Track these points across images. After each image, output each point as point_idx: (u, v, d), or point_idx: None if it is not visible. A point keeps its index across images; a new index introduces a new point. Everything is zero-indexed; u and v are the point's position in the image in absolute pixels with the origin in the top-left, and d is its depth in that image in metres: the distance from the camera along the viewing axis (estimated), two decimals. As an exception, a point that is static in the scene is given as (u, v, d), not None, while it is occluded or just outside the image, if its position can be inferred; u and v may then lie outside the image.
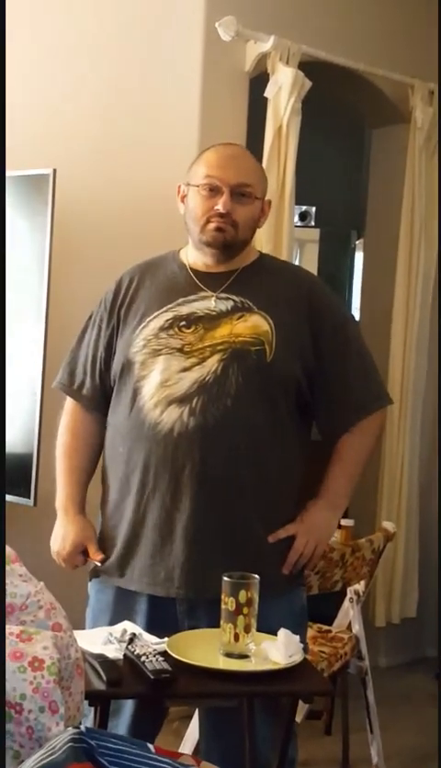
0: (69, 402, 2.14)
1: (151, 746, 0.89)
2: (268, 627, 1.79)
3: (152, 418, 1.95)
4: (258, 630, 1.77)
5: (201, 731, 2.17)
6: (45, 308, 2.70)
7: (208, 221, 1.97)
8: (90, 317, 2.13)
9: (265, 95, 3.13)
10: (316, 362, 2.00)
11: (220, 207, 1.96)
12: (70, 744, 0.87)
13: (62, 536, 2.08)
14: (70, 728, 0.91)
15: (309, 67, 3.17)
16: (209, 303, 1.98)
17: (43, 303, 2.70)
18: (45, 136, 3.12)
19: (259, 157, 3.12)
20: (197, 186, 1.99)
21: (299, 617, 2.05)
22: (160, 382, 1.95)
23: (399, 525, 3.46)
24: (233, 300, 1.98)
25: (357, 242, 5.30)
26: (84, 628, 2.01)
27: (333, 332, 2.04)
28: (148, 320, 2.00)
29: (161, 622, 1.93)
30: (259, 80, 3.19)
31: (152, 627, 1.88)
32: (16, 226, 2.82)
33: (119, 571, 2.01)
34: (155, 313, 2.00)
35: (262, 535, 1.98)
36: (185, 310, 1.99)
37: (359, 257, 5.02)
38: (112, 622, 1.96)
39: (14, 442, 2.79)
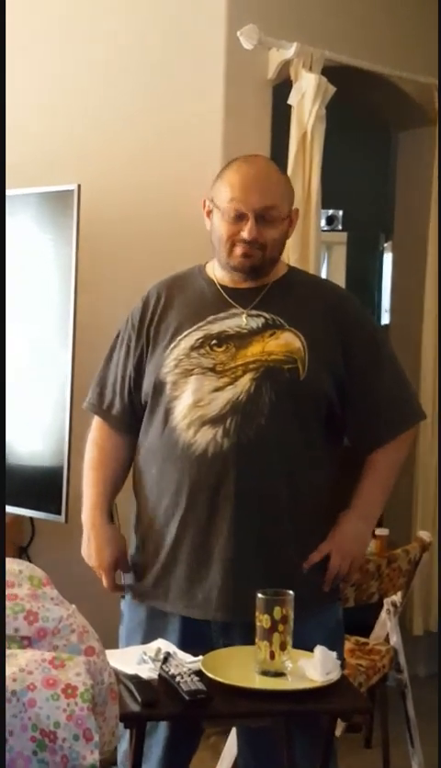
0: (97, 420, 2.12)
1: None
2: (305, 645, 1.76)
3: (185, 439, 1.93)
4: (295, 648, 1.74)
5: (238, 750, 2.15)
6: (72, 323, 2.69)
7: (233, 245, 1.94)
8: (117, 336, 2.11)
9: (289, 102, 3.11)
10: (348, 377, 1.98)
11: (245, 234, 1.92)
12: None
13: (96, 551, 2.05)
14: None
15: (332, 72, 3.14)
16: (239, 321, 1.95)
17: (70, 319, 2.69)
18: (68, 151, 3.12)
19: (284, 165, 3.11)
20: (221, 210, 1.95)
21: (336, 633, 2.03)
22: (193, 402, 1.92)
23: (434, 534, 3.41)
24: (264, 317, 1.95)
25: (385, 245, 5.26)
26: (116, 646, 1.99)
27: (364, 346, 2.01)
28: (178, 339, 1.98)
29: (194, 641, 1.91)
30: (283, 87, 3.17)
31: (185, 646, 1.86)
32: (41, 242, 2.82)
33: (154, 593, 1.99)
34: (186, 332, 1.98)
35: (296, 553, 1.96)
36: (215, 328, 1.96)
37: (388, 260, 4.98)
38: (145, 640, 1.94)
39: (43, 458, 2.78)
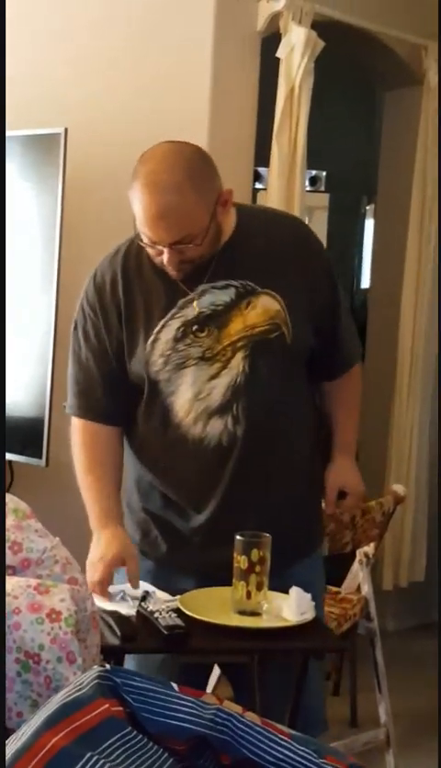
0: (79, 421, 1.97)
1: (174, 685, 0.91)
2: (305, 584, 1.82)
3: (194, 433, 1.88)
4: (298, 585, 1.80)
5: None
6: (56, 273, 2.68)
7: (161, 262, 1.82)
8: (75, 327, 1.96)
9: (278, 55, 3.10)
10: (318, 316, 1.95)
11: (165, 262, 1.81)
12: (97, 681, 0.89)
13: (104, 546, 1.88)
14: (96, 667, 0.93)
15: (322, 27, 3.13)
16: (211, 297, 1.87)
17: (54, 269, 2.68)
18: (56, 96, 3.10)
19: (271, 119, 3.11)
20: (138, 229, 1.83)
21: (323, 572, 2.11)
22: (192, 396, 1.87)
23: (408, 489, 3.47)
24: (234, 286, 1.86)
25: (368, 208, 5.27)
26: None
27: (327, 284, 1.97)
28: (155, 331, 1.88)
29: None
30: (271, 40, 3.16)
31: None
32: (23, 188, 2.81)
33: (162, 561, 1.99)
34: (162, 322, 1.88)
35: (304, 499, 2.01)
36: (190, 312, 1.86)
37: (370, 224, 4.99)
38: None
39: (24, 408, 2.79)
